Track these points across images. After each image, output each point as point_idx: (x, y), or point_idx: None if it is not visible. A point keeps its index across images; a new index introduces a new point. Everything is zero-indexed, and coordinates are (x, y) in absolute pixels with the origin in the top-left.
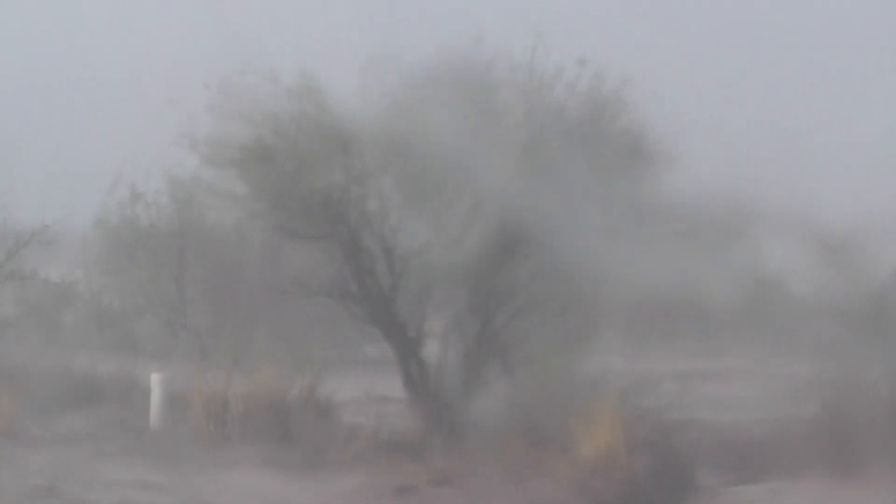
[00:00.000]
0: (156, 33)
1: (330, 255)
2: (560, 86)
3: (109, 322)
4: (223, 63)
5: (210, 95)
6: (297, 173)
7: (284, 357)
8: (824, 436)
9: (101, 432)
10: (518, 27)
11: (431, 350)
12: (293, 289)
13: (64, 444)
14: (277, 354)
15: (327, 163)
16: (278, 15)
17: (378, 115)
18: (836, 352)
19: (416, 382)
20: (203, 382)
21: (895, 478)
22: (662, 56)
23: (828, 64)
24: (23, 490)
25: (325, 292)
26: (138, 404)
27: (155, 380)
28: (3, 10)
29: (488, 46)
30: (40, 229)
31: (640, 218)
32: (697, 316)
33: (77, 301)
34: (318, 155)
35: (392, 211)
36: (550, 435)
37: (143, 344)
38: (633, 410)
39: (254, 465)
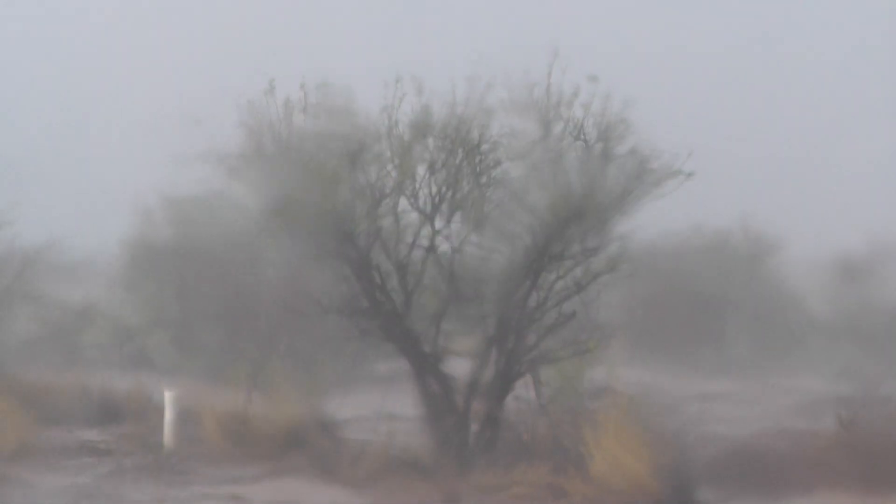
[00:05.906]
0: (168, 49)
1: (341, 272)
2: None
3: (125, 340)
4: (236, 77)
5: (225, 110)
6: (304, 187)
7: (297, 375)
8: (841, 452)
9: (118, 449)
10: (531, 46)
11: (455, 367)
12: (308, 307)
13: (82, 461)
14: (290, 372)
15: (333, 177)
16: (282, 21)
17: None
18: (852, 369)
19: (432, 399)
20: (215, 400)
21: None
22: (670, 80)
23: (845, 87)
24: None
25: (338, 309)
26: (154, 421)
27: (168, 398)
28: (15, 30)
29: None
30: (48, 247)
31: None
32: (716, 334)
33: (96, 319)
34: (324, 168)
35: (406, 227)
36: (569, 453)
37: (156, 362)
38: (654, 429)
39: (266, 482)
